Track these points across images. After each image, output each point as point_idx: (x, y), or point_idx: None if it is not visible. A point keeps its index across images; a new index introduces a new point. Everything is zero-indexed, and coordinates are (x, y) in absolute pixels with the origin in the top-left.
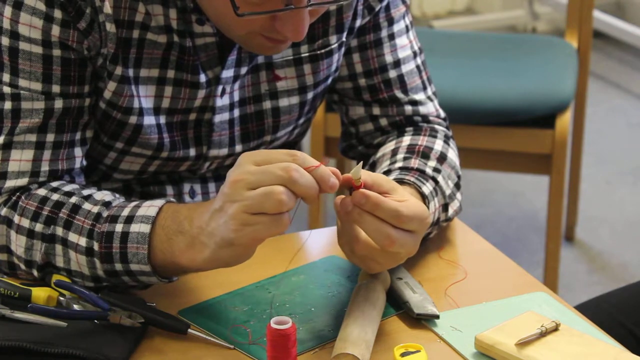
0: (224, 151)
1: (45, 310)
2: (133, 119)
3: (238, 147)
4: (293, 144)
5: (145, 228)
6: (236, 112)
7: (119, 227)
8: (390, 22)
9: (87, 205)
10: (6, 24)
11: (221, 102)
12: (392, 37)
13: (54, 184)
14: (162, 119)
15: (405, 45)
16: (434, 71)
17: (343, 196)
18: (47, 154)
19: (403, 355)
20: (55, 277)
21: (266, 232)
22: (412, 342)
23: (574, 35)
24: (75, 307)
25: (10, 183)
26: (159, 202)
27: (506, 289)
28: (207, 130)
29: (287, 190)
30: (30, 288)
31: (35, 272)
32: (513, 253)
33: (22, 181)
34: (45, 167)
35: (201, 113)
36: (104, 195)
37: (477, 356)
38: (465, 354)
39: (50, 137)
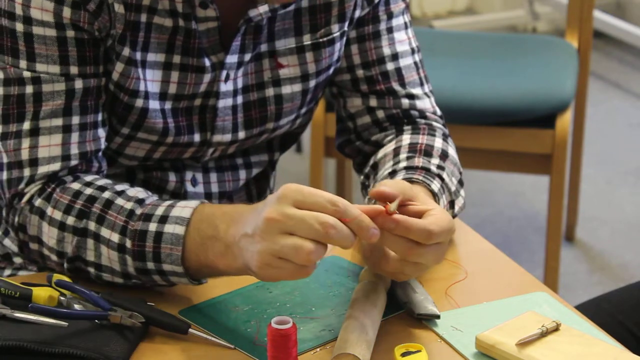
0: (227, 137)
1: (45, 310)
2: (139, 102)
3: (241, 134)
4: (295, 135)
5: (180, 230)
6: (239, 99)
7: (152, 227)
8: (390, 16)
9: (120, 201)
10: (19, 10)
11: (225, 87)
12: (390, 30)
13: (88, 177)
14: (168, 104)
15: (403, 40)
16: (433, 71)
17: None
18: (74, 137)
19: (404, 355)
20: (56, 277)
21: (288, 277)
22: (413, 342)
23: (574, 35)
24: (76, 307)
25: (43, 169)
26: (193, 204)
27: (506, 289)
28: (211, 116)
29: (317, 245)
30: (31, 288)
31: (65, 264)
32: (513, 253)
33: (55, 166)
34: (75, 150)
35: (206, 99)
36: (137, 192)
37: (478, 356)
38: (466, 354)
39: (75, 120)
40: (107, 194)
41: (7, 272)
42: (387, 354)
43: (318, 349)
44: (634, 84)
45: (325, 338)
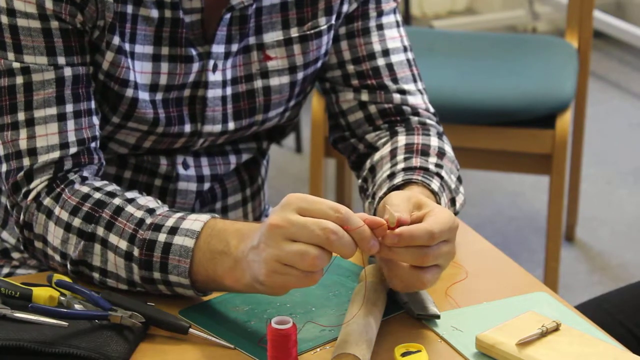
0: (218, 127)
1: (46, 310)
2: (129, 92)
3: (231, 125)
4: (283, 128)
5: (189, 242)
6: (229, 90)
7: (161, 237)
8: (380, 13)
9: (130, 209)
10: (2, 2)
11: (214, 77)
12: (380, 27)
13: (97, 183)
14: (159, 96)
15: (395, 37)
16: (433, 71)
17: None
18: (70, 124)
19: (404, 355)
20: (56, 277)
21: (295, 283)
22: (413, 342)
23: (574, 35)
24: (76, 306)
25: (42, 158)
26: (204, 217)
27: (507, 289)
28: (201, 107)
29: (321, 251)
30: (31, 288)
31: (69, 265)
32: (513, 253)
33: (54, 154)
34: (72, 138)
35: (195, 89)
36: (148, 201)
37: (478, 356)
38: (466, 354)
39: (69, 108)
40: (117, 201)
41: (6, 270)
42: (387, 354)
43: (318, 349)
44: (634, 84)
45: (325, 338)
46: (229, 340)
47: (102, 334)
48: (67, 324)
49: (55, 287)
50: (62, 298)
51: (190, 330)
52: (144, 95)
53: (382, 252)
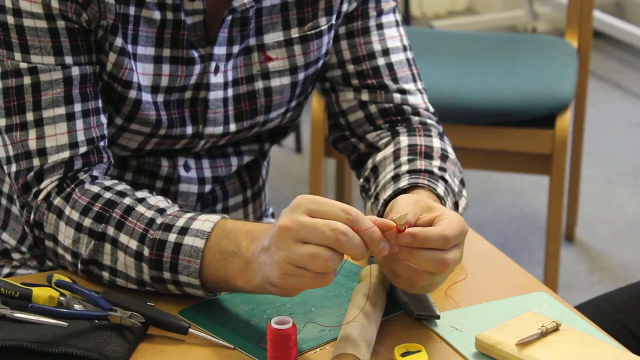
0: (219, 129)
1: (45, 310)
2: (133, 94)
3: (232, 126)
4: (285, 128)
5: (199, 243)
6: (230, 92)
7: (172, 237)
8: (380, 13)
9: (140, 208)
10: (8, 3)
11: (215, 79)
12: (380, 26)
13: (107, 182)
14: (160, 97)
15: (394, 36)
16: (433, 71)
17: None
18: (79, 124)
19: (403, 355)
20: (56, 277)
21: (309, 284)
22: (413, 342)
23: (574, 35)
24: (76, 307)
25: (52, 158)
26: (214, 218)
27: (506, 289)
28: (202, 109)
29: (333, 252)
30: (31, 288)
31: (79, 265)
32: (513, 253)
33: (64, 154)
34: (81, 137)
35: (196, 91)
36: (158, 200)
37: (478, 356)
38: (466, 354)
39: (77, 107)
40: (127, 200)
41: (6, 270)
42: (387, 354)
43: (318, 349)
44: (634, 84)
45: (325, 338)
46: (229, 340)
47: (102, 334)
48: (66, 324)
49: (55, 287)
50: (61, 298)
51: (190, 330)
52: (146, 97)
53: (401, 255)
